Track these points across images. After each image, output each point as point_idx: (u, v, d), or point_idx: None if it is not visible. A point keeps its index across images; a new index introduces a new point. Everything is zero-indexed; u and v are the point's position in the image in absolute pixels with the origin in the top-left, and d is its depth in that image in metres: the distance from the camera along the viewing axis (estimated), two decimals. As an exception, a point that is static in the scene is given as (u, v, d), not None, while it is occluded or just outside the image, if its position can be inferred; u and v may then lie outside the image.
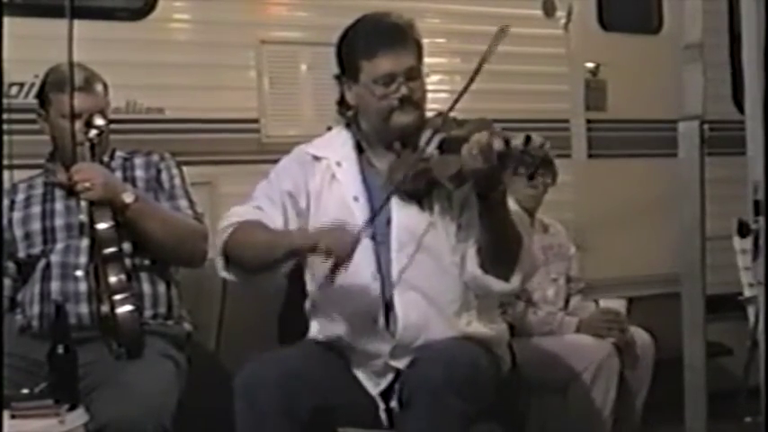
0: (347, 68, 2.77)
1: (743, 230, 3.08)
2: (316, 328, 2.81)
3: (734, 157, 3.33)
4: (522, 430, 2.95)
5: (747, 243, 3.09)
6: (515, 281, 2.66)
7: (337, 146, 2.83)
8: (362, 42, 2.73)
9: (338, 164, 2.79)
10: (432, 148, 2.61)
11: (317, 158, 2.83)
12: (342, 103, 2.82)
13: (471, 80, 2.54)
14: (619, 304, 3.97)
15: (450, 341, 2.66)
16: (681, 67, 3.37)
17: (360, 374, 2.75)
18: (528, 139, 2.36)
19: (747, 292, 3.17)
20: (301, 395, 2.58)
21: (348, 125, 2.84)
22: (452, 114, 2.67)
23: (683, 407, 3.35)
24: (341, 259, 2.53)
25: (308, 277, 2.83)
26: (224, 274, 2.77)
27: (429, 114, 2.76)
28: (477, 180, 2.50)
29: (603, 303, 4.00)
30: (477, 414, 2.57)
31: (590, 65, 4.87)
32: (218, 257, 2.77)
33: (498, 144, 2.39)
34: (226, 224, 2.76)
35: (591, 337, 3.79)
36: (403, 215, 2.70)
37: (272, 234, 2.71)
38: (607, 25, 4.95)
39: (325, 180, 2.79)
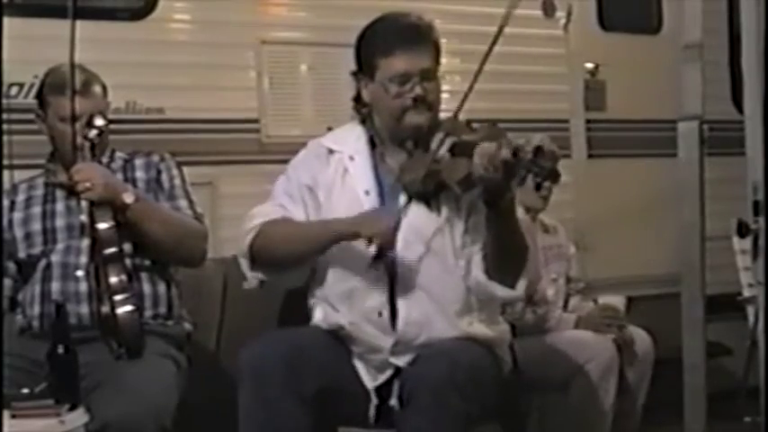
0: (364, 65, 2.78)
1: (742, 230, 3.07)
2: (320, 316, 2.80)
3: (734, 157, 3.33)
4: (524, 431, 2.95)
5: (747, 243, 3.10)
6: (520, 288, 2.67)
7: (351, 140, 2.84)
8: (380, 41, 2.74)
9: (351, 158, 2.80)
10: (443, 151, 2.62)
11: (331, 151, 2.84)
12: (358, 99, 2.83)
13: (475, 78, 2.59)
14: (618, 301, 3.97)
15: (452, 341, 2.67)
16: (680, 67, 3.37)
17: (359, 367, 2.76)
18: (538, 149, 2.38)
19: (747, 292, 3.17)
20: (307, 374, 2.59)
21: (363, 121, 2.85)
22: (467, 118, 2.68)
23: (682, 407, 3.35)
24: (385, 245, 2.58)
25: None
26: (250, 274, 2.79)
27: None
28: (485, 187, 2.52)
29: (603, 299, 4.00)
30: (479, 414, 2.57)
31: (589, 65, 4.87)
32: (243, 259, 2.78)
33: (507, 155, 2.40)
34: (251, 225, 2.78)
35: (590, 333, 3.79)
36: (411, 214, 2.70)
37: (308, 225, 2.76)
38: (607, 25, 4.95)
39: (338, 173, 2.80)
